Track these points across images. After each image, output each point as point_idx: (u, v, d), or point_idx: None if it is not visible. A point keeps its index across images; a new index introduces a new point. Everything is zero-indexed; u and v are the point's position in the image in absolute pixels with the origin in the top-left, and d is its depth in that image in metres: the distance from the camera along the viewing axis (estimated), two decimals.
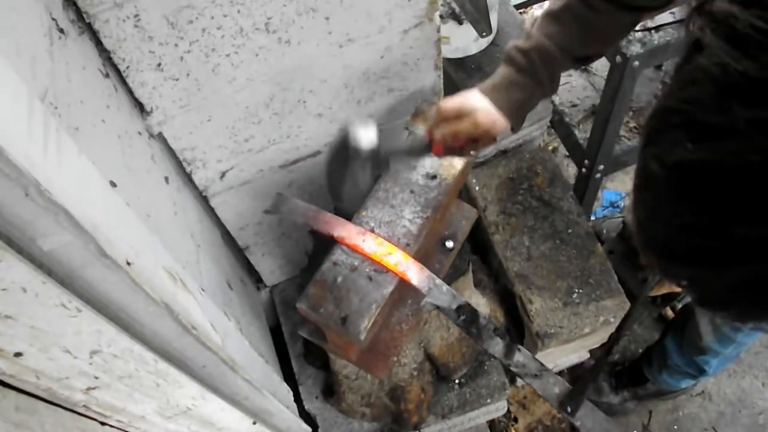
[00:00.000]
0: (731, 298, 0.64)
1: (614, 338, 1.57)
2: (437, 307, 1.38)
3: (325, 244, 1.48)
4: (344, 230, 1.40)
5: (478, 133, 1.35)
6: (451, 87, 2.26)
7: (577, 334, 2.02)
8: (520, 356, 1.38)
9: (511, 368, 1.37)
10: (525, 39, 1.31)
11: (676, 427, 2.65)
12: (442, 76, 1.73)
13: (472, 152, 1.48)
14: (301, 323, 1.55)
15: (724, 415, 2.63)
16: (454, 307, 1.38)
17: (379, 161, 1.36)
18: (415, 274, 1.38)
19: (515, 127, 1.38)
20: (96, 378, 0.95)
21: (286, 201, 1.48)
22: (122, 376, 0.97)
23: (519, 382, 2.44)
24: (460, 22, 2.04)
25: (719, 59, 0.58)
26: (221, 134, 1.54)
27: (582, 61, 1.35)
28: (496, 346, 1.38)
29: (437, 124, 1.38)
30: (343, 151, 1.33)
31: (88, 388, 0.96)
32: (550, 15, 1.29)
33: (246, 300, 2.01)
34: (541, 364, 1.38)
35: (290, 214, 1.47)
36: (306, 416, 2.12)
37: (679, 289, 1.69)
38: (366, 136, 1.28)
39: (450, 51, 2.19)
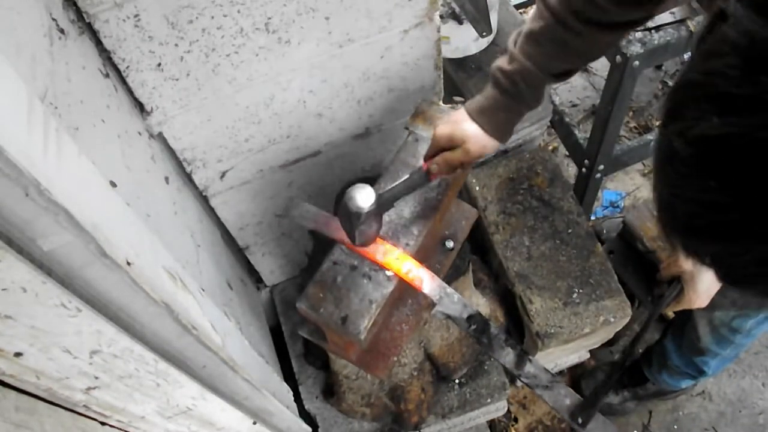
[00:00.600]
0: (758, 272, 0.63)
1: (627, 353, 1.56)
2: (448, 316, 1.38)
3: (324, 244, 1.48)
4: None
5: (469, 159, 1.39)
6: (452, 87, 2.27)
7: (578, 334, 2.02)
8: (531, 367, 1.37)
9: (522, 379, 1.37)
10: (508, 60, 1.32)
11: (676, 427, 2.65)
12: (442, 76, 1.73)
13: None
14: (301, 323, 1.55)
15: (724, 415, 2.63)
16: (464, 316, 1.37)
17: (381, 207, 1.39)
18: (427, 282, 1.38)
19: (504, 141, 1.43)
20: (96, 378, 0.95)
21: (298, 205, 1.48)
22: (122, 376, 0.97)
23: (519, 382, 2.44)
24: (460, 22, 2.04)
25: (745, 28, 0.56)
26: (221, 134, 1.54)
27: (564, 76, 1.36)
28: (507, 356, 1.38)
29: (431, 153, 1.43)
30: (346, 214, 1.35)
31: (88, 388, 0.96)
32: (530, 36, 1.29)
33: (246, 300, 2.01)
34: (552, 376, 1.38)
35: (301, 218, 1.47)
36: (306, 416, 2.12)
37: (693, 307, 1.69)
38: (365, 201, 1.32)
39: (450, 51, 2.19)
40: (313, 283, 1.37)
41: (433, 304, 1.39)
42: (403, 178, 1.44)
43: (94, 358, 0.92)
